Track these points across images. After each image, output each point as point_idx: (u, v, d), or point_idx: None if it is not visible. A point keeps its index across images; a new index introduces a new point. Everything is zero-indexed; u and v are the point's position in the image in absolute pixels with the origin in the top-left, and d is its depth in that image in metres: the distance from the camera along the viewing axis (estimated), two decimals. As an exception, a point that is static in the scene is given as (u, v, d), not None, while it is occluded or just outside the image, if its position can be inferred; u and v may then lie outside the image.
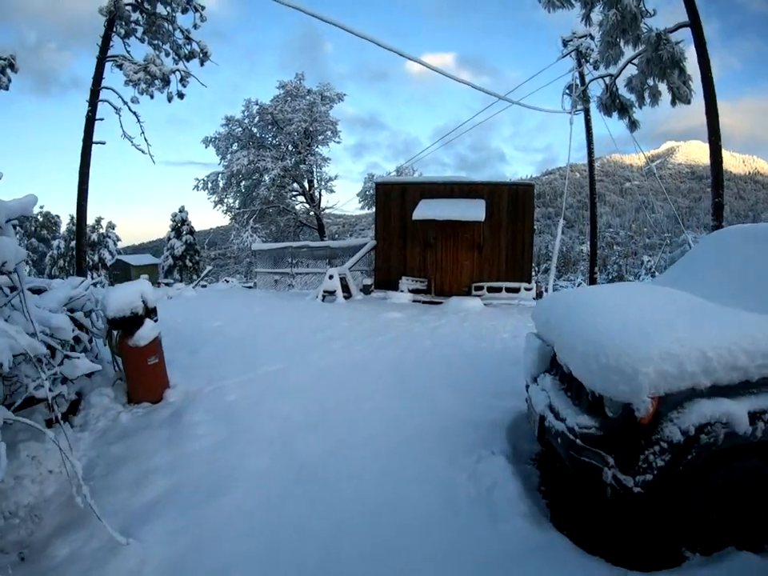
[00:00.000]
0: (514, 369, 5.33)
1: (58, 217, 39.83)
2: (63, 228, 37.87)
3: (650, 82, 9.07)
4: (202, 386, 4.88)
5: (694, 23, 8.96)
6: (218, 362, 5.67)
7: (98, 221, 35.12)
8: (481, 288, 12.14)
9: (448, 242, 12.26)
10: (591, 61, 14.16)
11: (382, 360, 5.69)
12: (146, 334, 4.43)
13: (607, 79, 9.38)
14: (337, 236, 29.15)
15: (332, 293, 11.57)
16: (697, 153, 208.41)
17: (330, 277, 11.65)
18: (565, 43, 14.57)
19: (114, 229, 36.10)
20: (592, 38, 14.17)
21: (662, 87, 9.12)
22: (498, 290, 12.11)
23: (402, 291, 11.98)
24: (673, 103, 9.05)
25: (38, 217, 38.88)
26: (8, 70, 12.14)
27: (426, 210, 11.52)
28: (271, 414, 4.10)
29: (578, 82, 13.95)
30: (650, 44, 7.92)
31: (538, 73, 13.44)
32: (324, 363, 5.53)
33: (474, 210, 11.31)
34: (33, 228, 38.53)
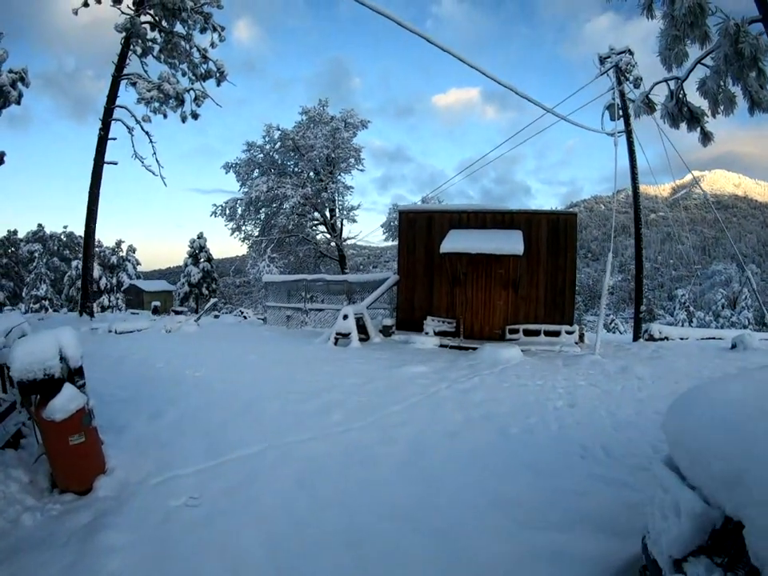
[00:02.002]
0: (585, 466, 3.77)
1: (81, 237, 39.87)
2: (85, 250, 37.83)
3: (723, 84, 7.69)
4: (147, 475, 3.52)
5: (766, 17, 7.57)
6: (179, 434, 4.29)
7: (119, 243, 34.98)
8: (516, 331, 10.62)
9: (480, 278, 10.84)
10: (631, 78, 12.98)
11: (393, 448, 4.11)
12: (62, 405, 3.12)
13: (672, 83, 7.88)
14: (361, 267, 27.94)
15: (346, 335, 10.15)
16: (721, 182, 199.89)
17: (345, 317, 10.23)
18: (602, 60, 13.39)
19: (134, 252, 35.89)
20: (631, 53, 13.06)
21: (736, 92, 7.74)
22: (536, 333, 10.59)
23: (426, 334, 10.55)
24: (750, 111, 7.57)
25: (62, 236, 38.99)
26: (19, 84, 11.53)
27: (456, 241, 10.18)
28: (223, 547, 2.65)
29: (618, 100, 12.73)
30: (729, 36, 6.46)
31: (578, 90, 12.29)
32: (314, 451, 4.00)
33: (510, 243, 9.92)
34: (56, 247, 38.63)
